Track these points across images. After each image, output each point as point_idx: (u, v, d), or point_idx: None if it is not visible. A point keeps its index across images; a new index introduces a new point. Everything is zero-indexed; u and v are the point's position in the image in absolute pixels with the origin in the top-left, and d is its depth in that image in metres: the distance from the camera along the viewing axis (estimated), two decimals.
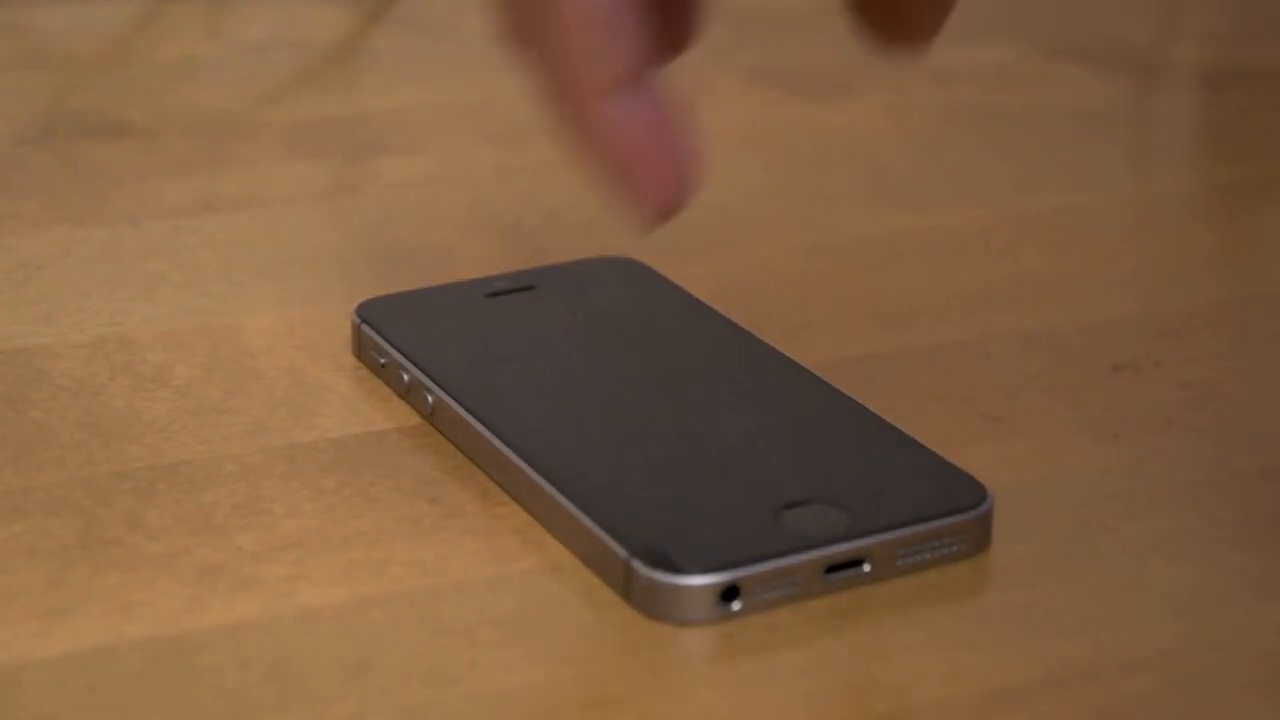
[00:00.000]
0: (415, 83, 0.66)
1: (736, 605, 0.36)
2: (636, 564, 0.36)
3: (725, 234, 0.54)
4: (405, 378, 0.44)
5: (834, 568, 0.37)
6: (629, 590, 0.36)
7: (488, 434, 0.41)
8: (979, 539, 0.38)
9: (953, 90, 0.65)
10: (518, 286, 0.47)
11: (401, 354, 0.44)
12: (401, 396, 0.44)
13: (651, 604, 0.36)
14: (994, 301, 0.50)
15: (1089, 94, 0.65)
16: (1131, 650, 0.35)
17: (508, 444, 0.40)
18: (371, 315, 0.46)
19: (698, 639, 0.36)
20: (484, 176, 0.58)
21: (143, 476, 0.41)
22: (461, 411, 0.41)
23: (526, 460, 0.39)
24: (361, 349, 0.46)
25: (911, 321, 0.49)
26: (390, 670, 0.35)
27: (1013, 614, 0.36)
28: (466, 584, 0.37)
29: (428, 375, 0.43)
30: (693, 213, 0.55)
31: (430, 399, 0.43)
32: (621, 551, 0.37)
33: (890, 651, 0.35)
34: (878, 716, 0.34)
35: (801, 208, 0.55)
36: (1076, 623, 0.36)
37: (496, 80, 0.66)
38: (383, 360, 0.45)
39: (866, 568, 0.37)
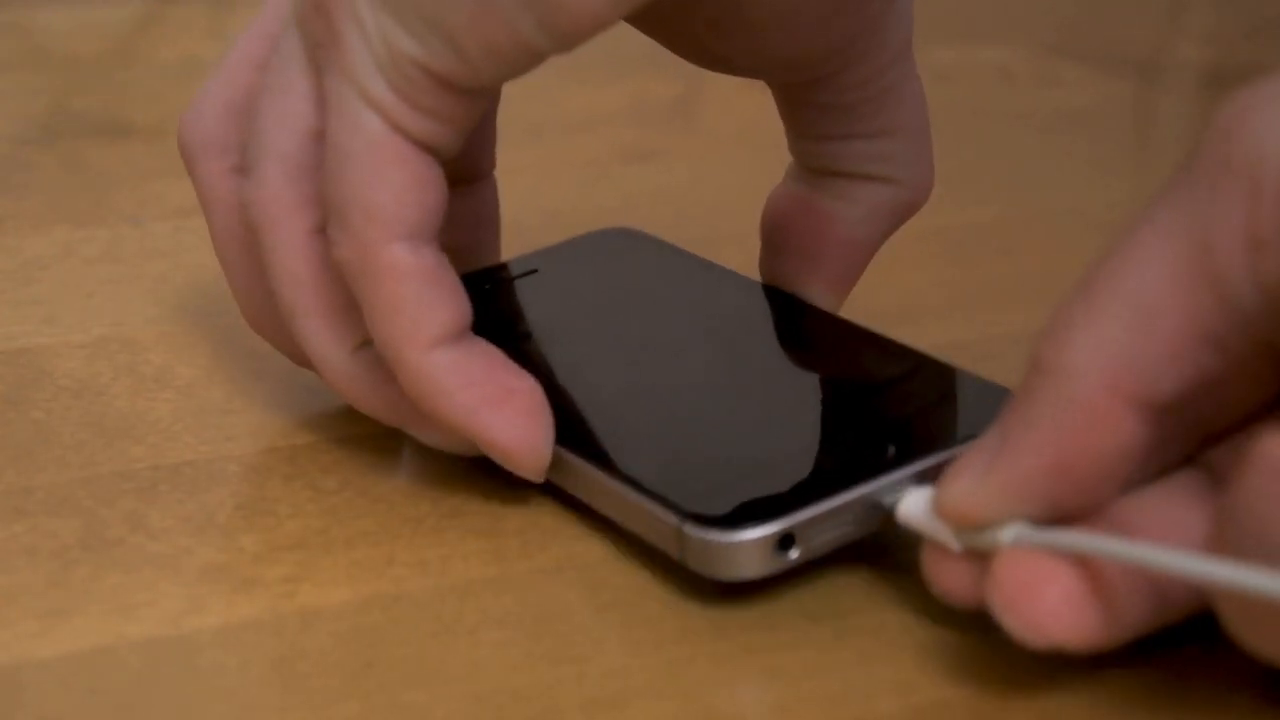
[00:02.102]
0: None
1: (794, 553, 0.36)
2: (688, 527, 0.36)
3: (725, 233, 0.54)
4: None
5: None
6: (684, 554, 0.36)
7: None
8: None
9: (953, 90, 0.65)
10: (521, 272, 0.47)
11: None
12: None
13: (709, 564, 0.36)
14: (994, 301, 0.50)
15: (1089, 94, 0.65)
16: (1135, 648, 0.35)
17: None
18: None
19: (699, 639, 0.36)
20: None
21: (145, 477, 0.41)
22: None
23: (560, 442, 0.39)
24: None
25: (911, 321, 0.49)
26: (392, 670, 0.35)
27: None
28: (469, 584, 0.37)
29: None
30: (693, 213, 0.55)
31: None
32: (671, 518, 0.36)
33: (893, 651, 0.35)
34: (880, 717, 0.34)
35: None
36: None
37: None
38: None
39: None
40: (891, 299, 0.50)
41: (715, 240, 0.53)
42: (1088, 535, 0.33)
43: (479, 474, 0.41)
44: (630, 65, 0.66)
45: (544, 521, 0.39)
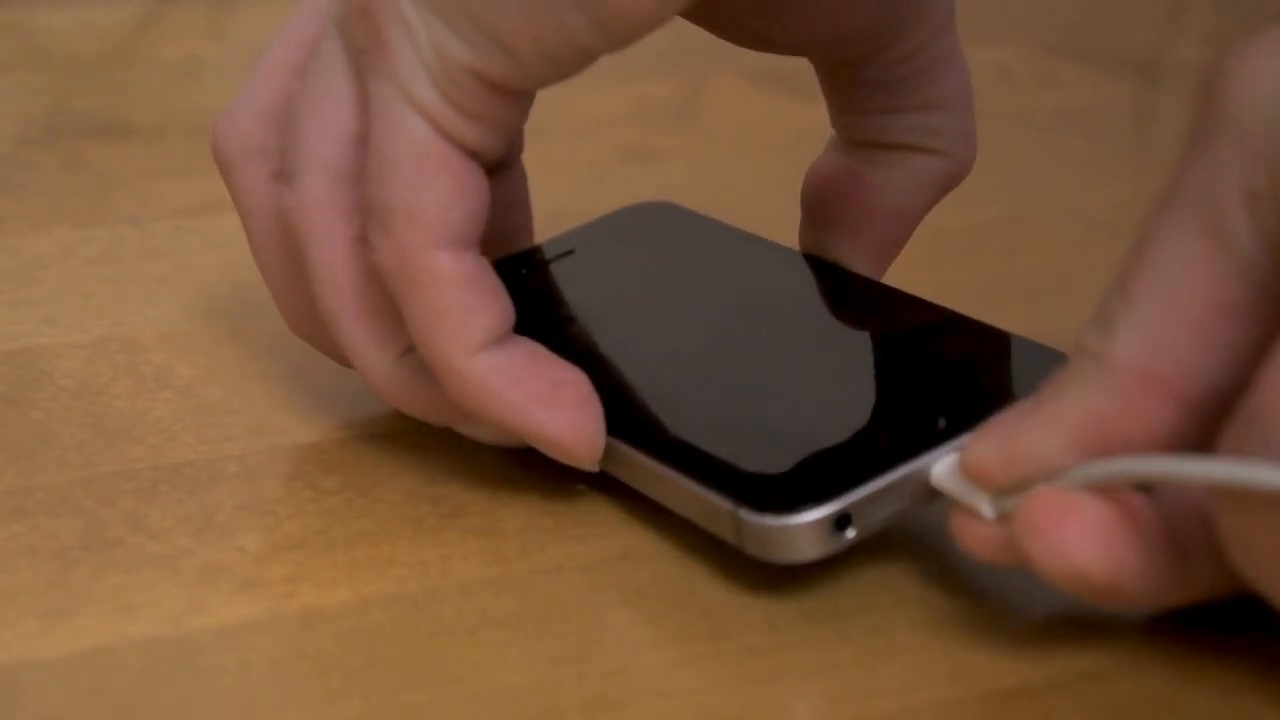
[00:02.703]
0: None
1: (851, 533, 0.35)
2: (744, 513, 0.36)
3: None
4: None
5: None
6: (742, 540, 0.36)
7: None
8: None
9: None
10: (557, 254, 0.46)
11: None
12: None
13: (767, 549, 0.35)
14: (994, 302, 0.50)
15: (1089, 94, 0.65)
16: (1135, 650, 0.35)
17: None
18: None
19: (698, 639, 0.36)
20: None
21: (145, 477, 0.41)
22: None
23: (610, 430, 0.38)
24: None
25: None
26: (392, 670, 0.35)
27: (1013, 615, 0.36)
28: (469, 584, 0.37)
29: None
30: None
31: None
32: (726, 504, 0.36)
33: (893, 652, 0.35)
34: (880, 717, 0.34)
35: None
36: (1076, 622, 0.36)
37: None
38: None
39: None
40: None
41: None
42: (1113, 461, 0.33)
43: (480, 474, 0.41)
44: (631, 66, 0.66)
45: (544, 522, 0.39)
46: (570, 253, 0.46)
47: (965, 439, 0.36)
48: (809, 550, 0.35)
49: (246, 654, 0.35)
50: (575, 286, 0.45)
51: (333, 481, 0.41)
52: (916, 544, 0.38)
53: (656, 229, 0.47)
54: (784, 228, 0.54)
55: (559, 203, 0.56)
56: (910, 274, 0.51)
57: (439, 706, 0.34)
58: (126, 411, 0.44)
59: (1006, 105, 0.64)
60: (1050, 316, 0.49)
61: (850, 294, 0.43)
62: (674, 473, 0.37)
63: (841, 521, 0.35)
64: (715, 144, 0.61)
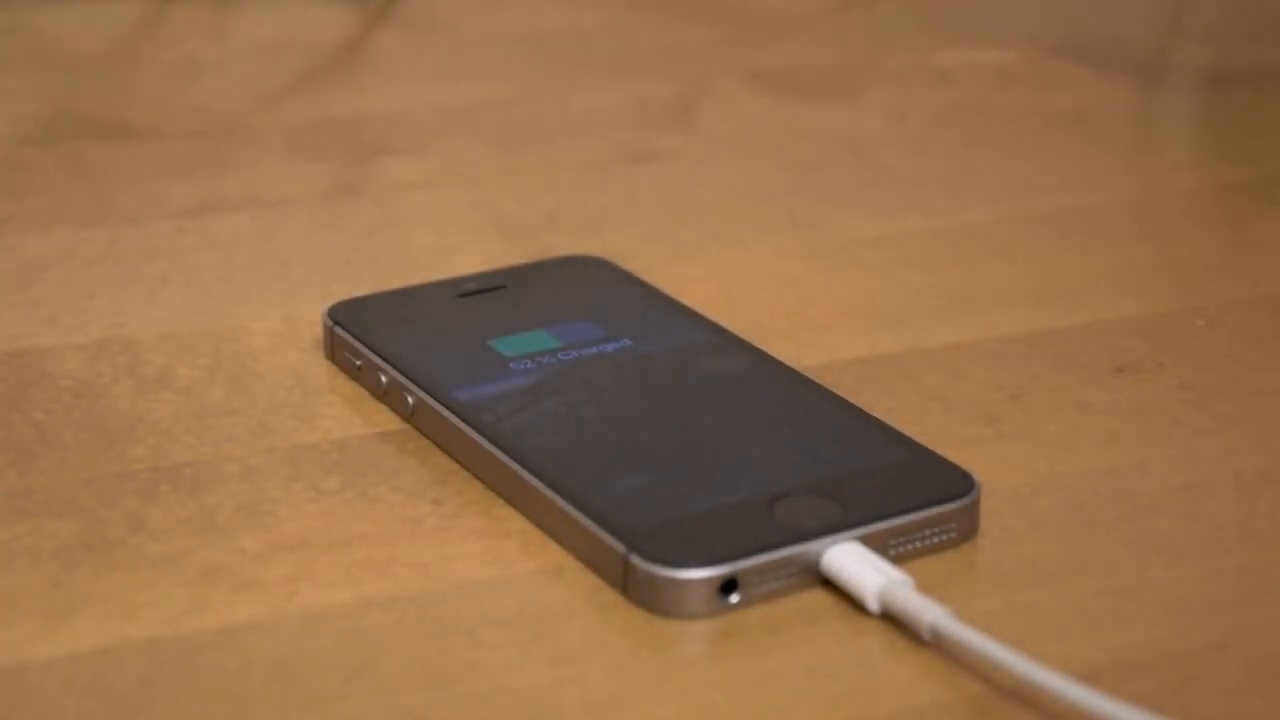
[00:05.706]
0: (417, 83, 0.66)
1: (735, 598, 0.36)
2: (635, 559, 0.36)
3: (725, 234, 0.54)
4: (383, 379, 0.44)
5: None
6: (627, 585, 0.37)
7: (476, 436, 0.41)
8: (967, 527, 0.38)
9: (953, 90, 0.65)
10: (489, 286, 0.48)
11: (380, 356, 0.44)
12: (379, 398, 0.44)
13: (651, 599, 0.36)
14: (994, 302, 0.50)
15: (1089, 94, 0.66)
16: (1132, 651, 0.35)
17: (498, 445, 0.40)
18: (344, 317, 0.46)
19: (699, 639, 0.36)
20: (484, 176, 0.58)
21: (145, 478, 0.41)
22: (447, 413, 0.41)
23: (518, 461, 0.39)
24: (335, 351, 0.46)
25: (911, 321, 0.49)
26: (392, 671, 0.35)
27: (1014, 615, 0.36)
28: (468, 585, 0.37)
29: (408, 377, 0.43)
30: (692, 213, 0.55)
31: (411, 400, 0.43)
32: (620, 547, 0.37)
33: (892, 651, 0.35)
34: (880, 717, 0.34)
35: (801, 208, 0.56)
36: (1077, 623, 0.36)
37: (497, 80, 0.66)
38: (358, 362, 0.45)
39: None
40: (891, 299, 0.50)
41: (715, 241, 0.53)
42: (997, 644, 0.34)
43: (479, 475, 0.41)
44: (630, 66, 0.66)
45: (544, 522, 0.39)
46: (502, 287, 0.47)
47: (859, 531, 0.37)
48: (693, 607, 0.36)
49: (246, 654, 0.35)
50: (503, 317, 0.46)
51: (332, 481, 0.41)
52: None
53: (591, 282, 0.48)
54: (782, 226, 0.54)
55: (557, 203, 0.56)
56: (911, 274, 0.51)
57: (439, 707, 0.34)
58: (127, 412, 0.44)
59: (1006, 105, 0.64)
60: (1052, 317, 0.49)
61: (764, 377, 0.43)
62: (573, 509, 0.38)
63: (728, 586, 0.36)
64: (715, 145, 0.61)
